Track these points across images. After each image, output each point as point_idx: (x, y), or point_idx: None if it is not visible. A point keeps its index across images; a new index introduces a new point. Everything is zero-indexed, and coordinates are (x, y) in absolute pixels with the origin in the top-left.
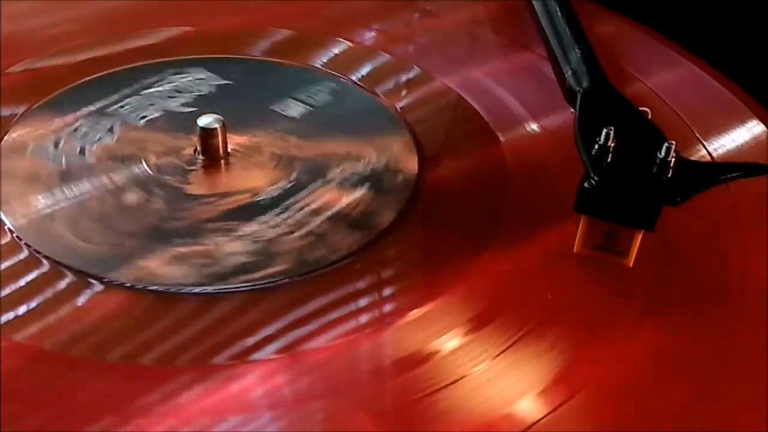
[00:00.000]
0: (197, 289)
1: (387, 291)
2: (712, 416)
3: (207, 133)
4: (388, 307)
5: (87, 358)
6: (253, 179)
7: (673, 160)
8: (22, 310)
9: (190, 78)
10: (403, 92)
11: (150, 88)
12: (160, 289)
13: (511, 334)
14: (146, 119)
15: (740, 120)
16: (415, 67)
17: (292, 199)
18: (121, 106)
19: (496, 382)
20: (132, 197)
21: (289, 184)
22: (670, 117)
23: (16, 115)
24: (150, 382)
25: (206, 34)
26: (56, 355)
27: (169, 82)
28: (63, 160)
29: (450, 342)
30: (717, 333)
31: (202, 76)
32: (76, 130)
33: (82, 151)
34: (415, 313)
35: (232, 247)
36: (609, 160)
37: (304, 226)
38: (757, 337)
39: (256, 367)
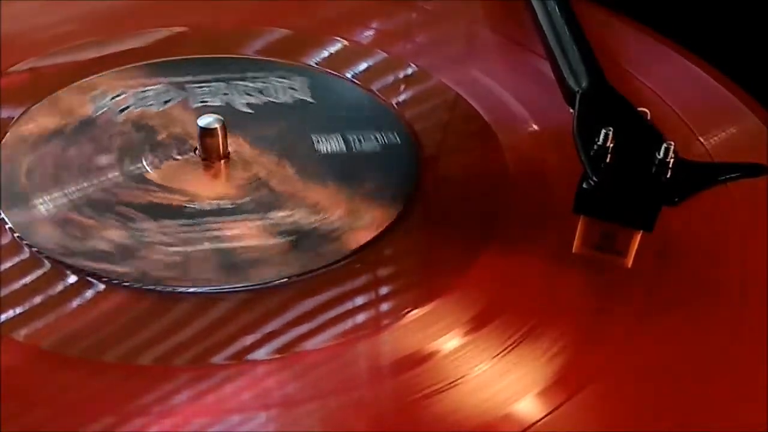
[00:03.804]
0: (196, 289)
1: (386, 291)
2: (712, 416)
3: (206, 133)
4: (387, 308)
5: (85, 357)
6: (209, 187)
7: (672, 160)
8: (20, 308)
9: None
10: (402, 91)
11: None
12: (159, 289)
13: (510, 335)
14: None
15: (740, 120)
16: (414, 66)
17: (213, 218)
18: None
19: (496, 383)
20: (102, 158)
21: (231, 205)
22: (670, 116)
23: (17, 114)
24: (148, 382)
25: (203, 33)
26: (54, 355)
27: (263, 82)
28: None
29: (449, 342)
30: (716, 333)
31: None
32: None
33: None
34: (414, 314)
35: (109, 233)
36: (608, 160)
37: (187, 245)
38: (757, 337)
39: (254, 367)
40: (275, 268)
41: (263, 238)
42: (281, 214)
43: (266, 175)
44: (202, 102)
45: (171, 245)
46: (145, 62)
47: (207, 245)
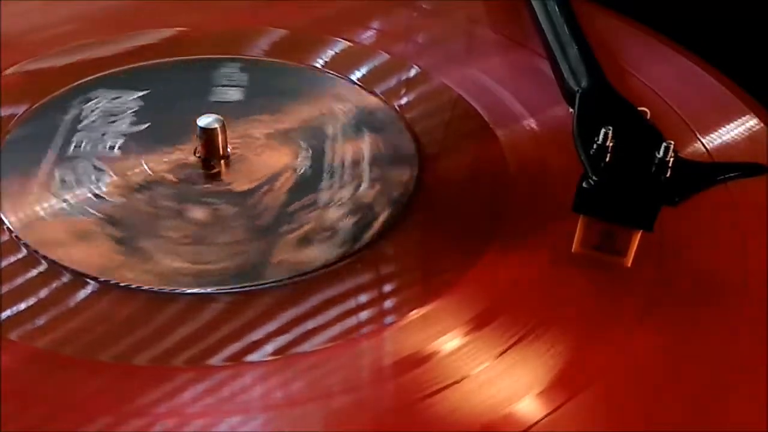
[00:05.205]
0: (194, 290)
1: (387, 291)
2: (712, 416)
3: (208, 134)
4: (387, 308)
5: (82, 357)
6: (275, 160)
7: (672, 160)
8: (17, 309)
9: (107, 101)
10: (402, 91)
11: (80, 122)
12: (156, 289)
13: (511, 335)
14: (116, 148)
15: (740, 119)
16: (414, 66)
17: (326, 162)
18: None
19: (496, 383)
20: (197, 212)
21: (309, 152)
22: (670, 116)
23: (16, 115)
24: (145, 382)
25: (203, 33)
26: (51, 355)
27: (92, 110)
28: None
29: (450, 342)
30: (717, 333)
31: (115, 95)
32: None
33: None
34: (414, 314)
35: (333, 214)
36: (607, 160)
37: (364, 176)
38: (757, 337)
39: (253, 367)
40: None
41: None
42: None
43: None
44: (110, 147)
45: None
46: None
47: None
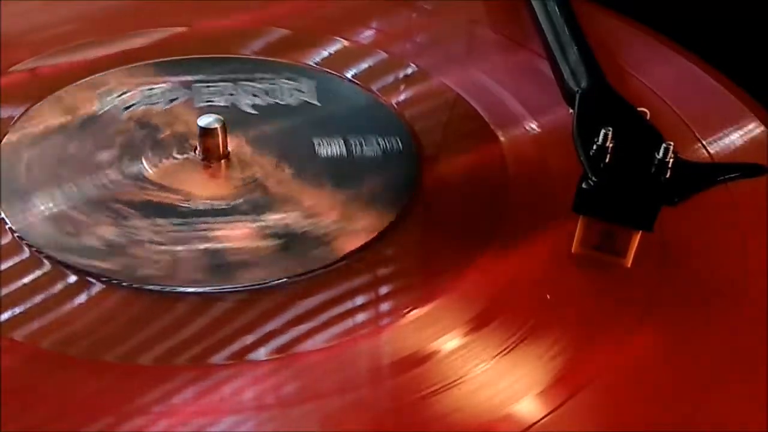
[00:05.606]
0: (196, 288)
1: (386, 291)
2: (712, 416)
3: (206, 133)
4: (387, 308)
5: (85, 357)
6: (205, 187)
7: (671, 160)
8: (20, 308)
9: (290, 85)
10: (402, 91)
11: (251, 81)
12: (159, 289)
13: (510, 335)
14: (196, 103)
15: (739, 120)
16: (414, 66)
17: (206, 219)
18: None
19: (496, 383)
20: (103, 155)
21: (225, 206)
22: (669, 116)
23: (17, 114)
24: (147, 382)
25: (203, 33)
26: (54, 355)
27: (271, 84)
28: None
29: (449, 342)
30: (717, 333)
31: (305, 89)
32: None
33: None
34: (414, 314)
35: (101, 230)
36: (607, 160)
37: (177, 244)
38: (757, 337)
39: (254, 367)
40: (263, 270)
41: (253, 239)
42: (274, 216)
43: (263, 177)
44: (207, 102)
45: (161, 244)
46: (153, 60)
47: (197, 245)
